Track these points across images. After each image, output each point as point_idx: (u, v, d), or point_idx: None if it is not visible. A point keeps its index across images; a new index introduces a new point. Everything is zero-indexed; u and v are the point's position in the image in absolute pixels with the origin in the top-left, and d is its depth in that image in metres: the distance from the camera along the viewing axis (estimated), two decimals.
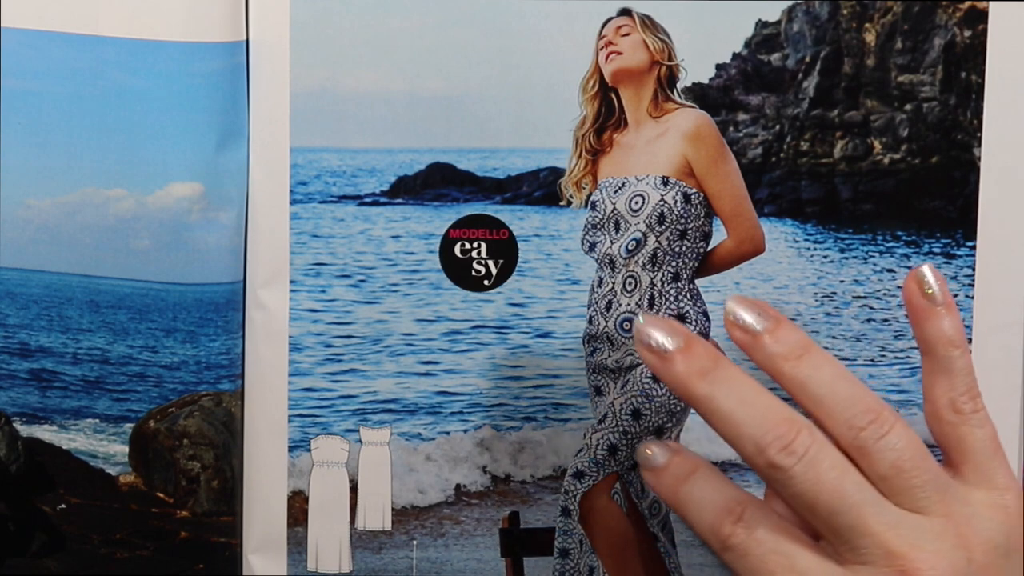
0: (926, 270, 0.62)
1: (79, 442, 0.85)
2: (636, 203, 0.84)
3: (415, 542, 0.86)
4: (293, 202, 0.83)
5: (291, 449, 0.84)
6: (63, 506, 0.86)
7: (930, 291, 0.63)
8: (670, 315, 0.85)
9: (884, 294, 0.85)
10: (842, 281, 0.84)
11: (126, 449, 0.85)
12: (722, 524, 0.62)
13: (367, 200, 0.86)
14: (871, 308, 0.84)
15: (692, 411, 0.85)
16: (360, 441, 0.85)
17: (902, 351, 0.84)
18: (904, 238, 0.84)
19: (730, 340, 0.85)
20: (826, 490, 0.60)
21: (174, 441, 0.84)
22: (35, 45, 0.79)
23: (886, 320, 0.84)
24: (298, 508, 0.85)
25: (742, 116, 0.84)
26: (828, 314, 0.84)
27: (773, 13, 0.83)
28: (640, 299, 0.84)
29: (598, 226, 0.85)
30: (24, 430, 0.84)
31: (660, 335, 0.62)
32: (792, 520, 0.61)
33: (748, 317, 0.63)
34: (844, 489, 0.60)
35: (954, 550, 0.59)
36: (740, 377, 0.60)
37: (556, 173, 0.84)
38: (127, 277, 0.82)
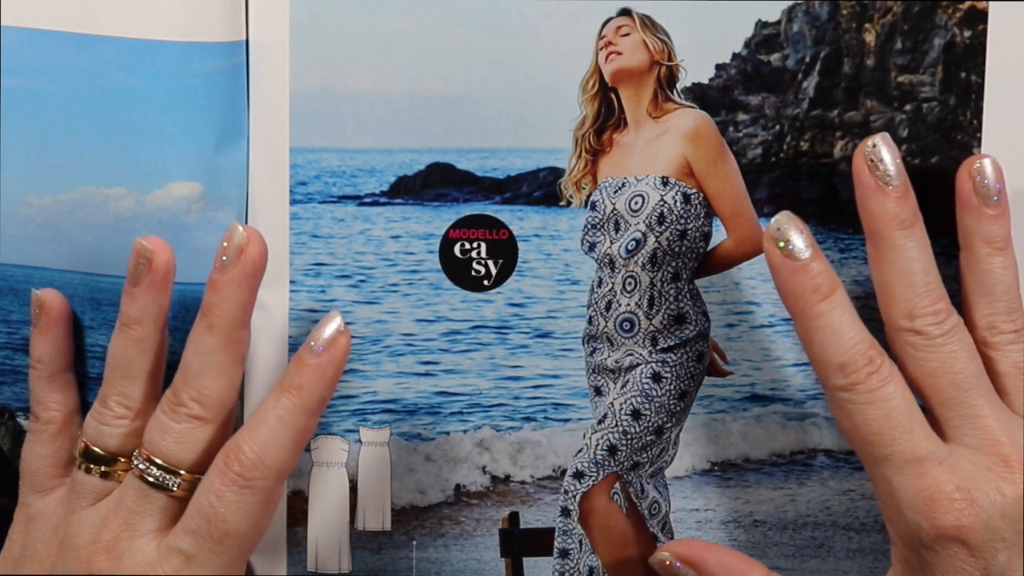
0: (987, 162, 0.65)
1: None
2: (636, 203, 0.84)
3: (415, 542, 0.86)
4: (293, 202, 0.83)
5: None
6: None
7: (982, 184, 0.66)
8: (670, 315, 0.85)
9: None
10: (842, 281, 0.84)
11: None
12: (857, 366, 0.63)
13: (367, 200, 0.86)
14: (871, 308, 0.84)
15: (692, 411, 0.85)
16: (360, 441, 0.85)
17: None
18: None
19: (730, 340, 0.85)
20: (956, 368, 0.62)
21: None
22: (35, 44, 0.80)
23: None
24: (298, 508, 0.85)
25: (742, 116, 0.84)
26: None
27: (773, 13, 0.82)
28: (640, 299, 0.84)
29: (598, 226, 0.85)
30: (28, 425, 0.84)
31: (800, 240, 0.65)
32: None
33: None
34: (970, 371, 0.62)
35: None
36: (845, 303, 0.64)
37: (556, 173, 0.84)
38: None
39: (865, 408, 0.64)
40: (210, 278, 0.71)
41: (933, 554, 0.64)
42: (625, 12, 0.82)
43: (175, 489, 0.70)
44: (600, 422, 0.85)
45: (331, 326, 0.71)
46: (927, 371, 0.64)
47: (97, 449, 0.73)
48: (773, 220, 0.66)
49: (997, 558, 0.62)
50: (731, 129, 0.84)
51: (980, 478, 0.63)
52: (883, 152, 0.66)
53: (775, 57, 0.83)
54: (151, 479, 0.70)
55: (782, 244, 0.65)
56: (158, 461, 0.70)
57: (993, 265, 0.66)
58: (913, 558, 0.65)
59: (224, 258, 0.71)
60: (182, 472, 0.70)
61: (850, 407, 0.64)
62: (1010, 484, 0.62)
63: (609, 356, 0.85)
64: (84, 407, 0.83)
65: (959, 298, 0.79)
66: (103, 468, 0.73)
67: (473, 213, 0.85)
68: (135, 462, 0.71)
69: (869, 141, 0.66)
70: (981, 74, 0.81)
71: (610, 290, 0.85)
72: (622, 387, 0.85)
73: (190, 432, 0.70)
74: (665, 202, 0.84)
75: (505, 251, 0.84)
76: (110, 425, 0.73)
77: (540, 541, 0.86)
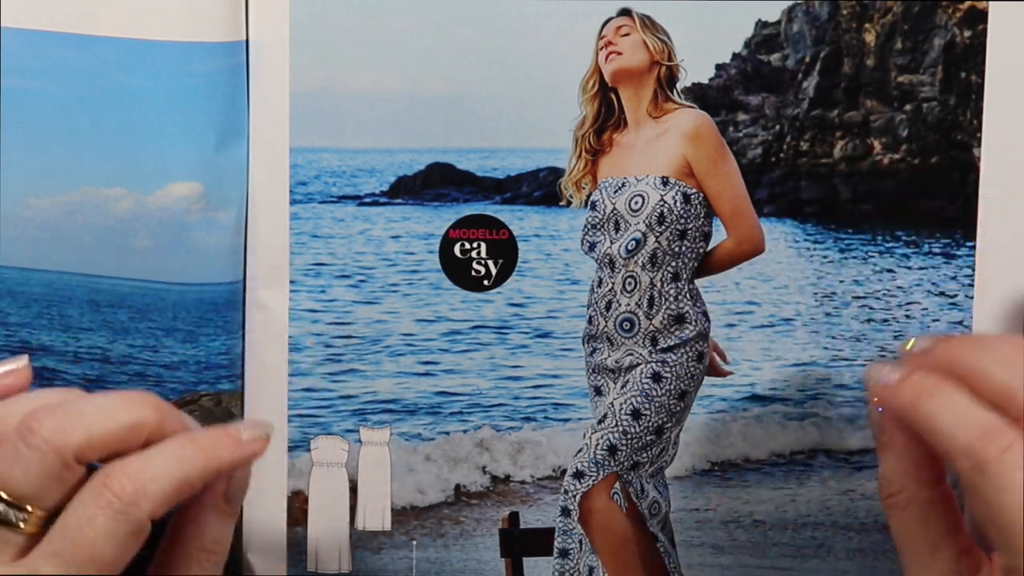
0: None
1: None
2: (636, 203, 0.84)
3: (415, 542, 0.86)
4: (293, 202, 0.83)
5: (291, 449, 0.84)
6: None
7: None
8: (670, 315, 0.85)
9: (884, 294, 0.85)
10: (842, 281, 0.84)
11: None
12: (987, 445, 0.60)
13: (367, 200, 0.86)
14: (871, 308, 0.84)
15: (692, 411, 0.85)
16: (360, 441, 0.85)
17: None
18: (904, 238, 0.84)
19: (730, 340, 0.85)
20: None
21: None
22: (34, 45, 0.79)
23: (886, 320, 0.84)
24: (298, 508, 0.85)
25: (742, 116, 0.84)
26: (828, 314, 0.84)
27: (773, 13, 0.82)
28: (640, 299, 0.84)
29: (598, 226, 0.85)
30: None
31: (885, 371, 0.63)
32: None
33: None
34: None
35: None
36: (958, 393, 0.61)
37: (556, 173, 0.84)
38: (127, 276, 0.82)
39: (1000, 493, 0.61)
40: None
41: None
42: (625, 12, 0.82)
43: (21, 525, 0.62)
44: (600, 422, 0.85)
45: (265, 426, 0.68)
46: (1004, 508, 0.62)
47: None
48: (865, 377, 0.65)
49: None
50: (731, 129, 0.84)
51: None
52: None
53: (775, 57, 0.84)
54: (9, 519, 0.61)
55: (874, 383, 0.64)
56: (2, 495, 0.62)
57: None
58: None
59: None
60: (29, 508, 0.62)
61: (980, 490, 0.61)
62: None
63: (609, 356, 0.85)
64: None
65: (959, 298, 0.79)
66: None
67: (473, 213, 0.84)
68: None
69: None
70: (981, 74, 0.81)
71: (610, 290, 0.85)
72: (622, 387, 0.85)
73: (42, 462, 0.62)
74: (665, 202, 0.84)
75: (505, 251, 0.84)
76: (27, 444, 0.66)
77: (540, 541, 0.86)
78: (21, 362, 0.66)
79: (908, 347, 0.62)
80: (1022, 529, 0.58)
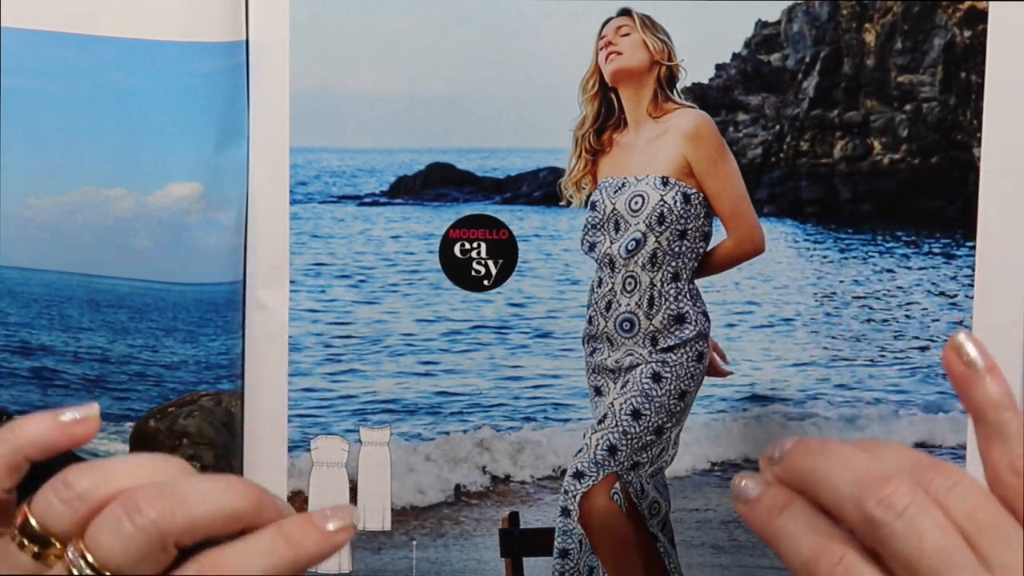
0: (962, 338, 0.63)
1: None
2: (636, 203, 0.84)
3: (415, 542, 0.86)
4: (293, 202, 0.83)
5: (291, 449, 0.84)
6: None
7: (968, 357, 0.63)
8: (670, 315, 0.85)
9: (884, 294, 0.85)
10: (842, 281, 0.84)
11: (127, 448, 0.85)
12: (818, 565, 0.61)
13: (367, 200, 0.86)
14: (871, 308, 0.84)
15: (692, 411, 0.85)
16: (360, 441, 0.85)
17: (902, 351, 0.84)
18: (904, 238, 0.84)
19: (730, 340, 0.85)
20: (928, 550, 0.59)
21: (174, 441, 0.85)
22: (34, 45, 0.79)
23: (886, 320, 0.84)
24: (298, 508, 0.85)
25: (742, 116, 0.84)
26: (828, 314, 0.84)
27: (773, 13, 0.82)
28: (640, 299, 0.84)
29: (598, 226, 0.85)
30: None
31: (749, 484, 0.64)
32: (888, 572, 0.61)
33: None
34: (946, 548, 0.60)
35: None
36: (804, 508, 0.61)
37: (556, 173, 0.84)
38: (127, 276, 0.82)
39: None
40: None
41: None
42: (625, 12, 0.82)
43: None
44: (600, 422, 0.85)
45: (344, 518, 0.68)
46: (907, 561, 0.63)
47: (37, 525, 0.66)
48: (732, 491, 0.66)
49: None
50: (731, 129, 0.84)
51: None
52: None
53: (775, 57, 0.84)
54: None
55: (737, 496, 0.65)
56: (90, 560, 0.61)
57: (1005, 417, 0.65)
58: None
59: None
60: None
61: None
62: None
63: (609, 356, 0.85)
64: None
65: (958, 298, 0.79)
66: (36, 549, 0.66)
67: (473, 213, 0.84)
68: (68, 552, 0.64)
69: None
70: (981, 74, 0.81)
71: (610, 290, 0.85)
72: (622, 387, 0.85)
73: (146, 543, 0.61)
74: (665, 202, 0.84)
75: (505, 251, 0.84)
76: (66, 504, 0.66)
77: (540, 541, 0.86)
78: (92, 411, 0.66)
79: (767, 455, 0.63)
80: None
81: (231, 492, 0.63)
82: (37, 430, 0.66)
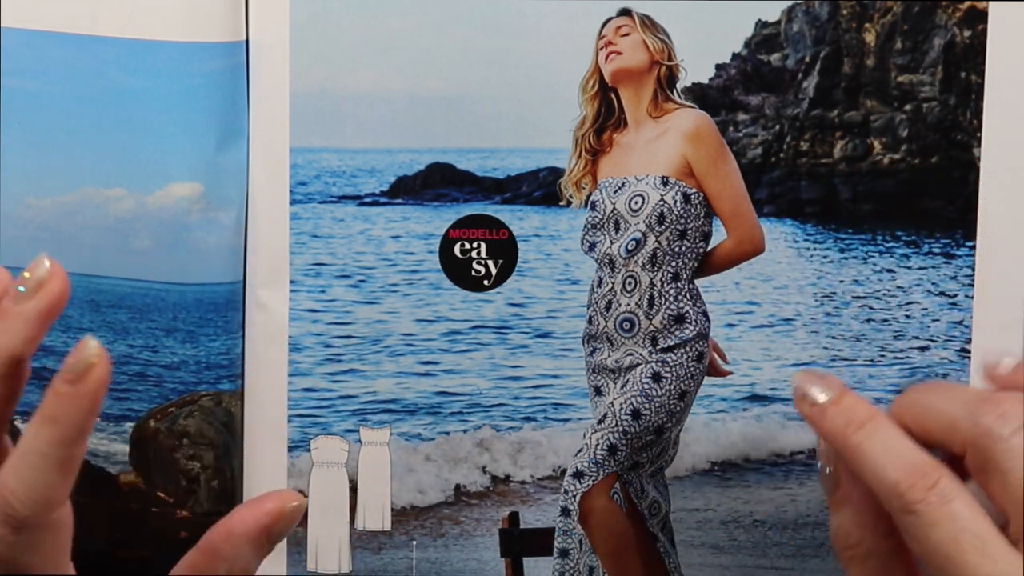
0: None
1: None
2: (636, 203, 0.84)
3: (415, 542, 0.86)
4: (293, 202, 0.83)
5: (291, 449, 0.84)
6: None
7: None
8: (670, 315, 0.85)
9: (884, 294, 0.85)
10: (842, 281, 0.84)
11: (127, 448, 0.85)
12: (913, 486, 0.60)
13: (367, 200, 0.86)
14: (871, 308, 0.84)
15: (692, 411, 0.86)
16: (360, 441, 0.85)
17: (902, 351, 0.84)
18: (904, 238, 0.84)
19: (730, 340, 0.85)
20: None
21: (174, 441, 0.84)
22: (35, 45, 0.79)
23: (886, 320, 0.84)
24: None
25: (742, 116, 0.84)
26: (828, 314, 0.84)
27: (773, 13, 0.83)
28: (640, 299, 0.84)
29: (598, 226, 0.85)
30: (26, 428, 0.84)
31: (815, 389, 0.63)
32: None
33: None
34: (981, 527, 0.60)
35: None
36: (889, 427, 0.61)
37: (556, 173, 0.84)
38: (127, 277, 0.82)
39: (930, 529, 0.62)
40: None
41: None
42: (625, 12, 0.82)
43: None
44: (600, 422, 0.85)
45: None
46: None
47: None
48: (793, 381, 0.66)
49: None
50: (731, 129, 0.84)
51: None
52: (807, 389, 0.66)
53: (775, 57, 0.84)
54: None
55: (803, 398, 0.65)
56: None
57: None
58: None
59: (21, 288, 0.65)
60: None
61: (913, 530, 0.62)
62: None
63: (609, 356, 0.85)
64: None
65: (959, 298, 0.79)
66: None
67: (473, 213, 0.84)
68: None
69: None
70: (981, 74, 0.81)
71: (610, 290, 0.85)
72: (622, 387, 0.85)
73: None
74: (665, 202, 0.84)
75: (505, 251, 0.84)
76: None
77: (540, 541, 0.86)
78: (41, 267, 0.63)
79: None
80: (953, 567, 0.59)
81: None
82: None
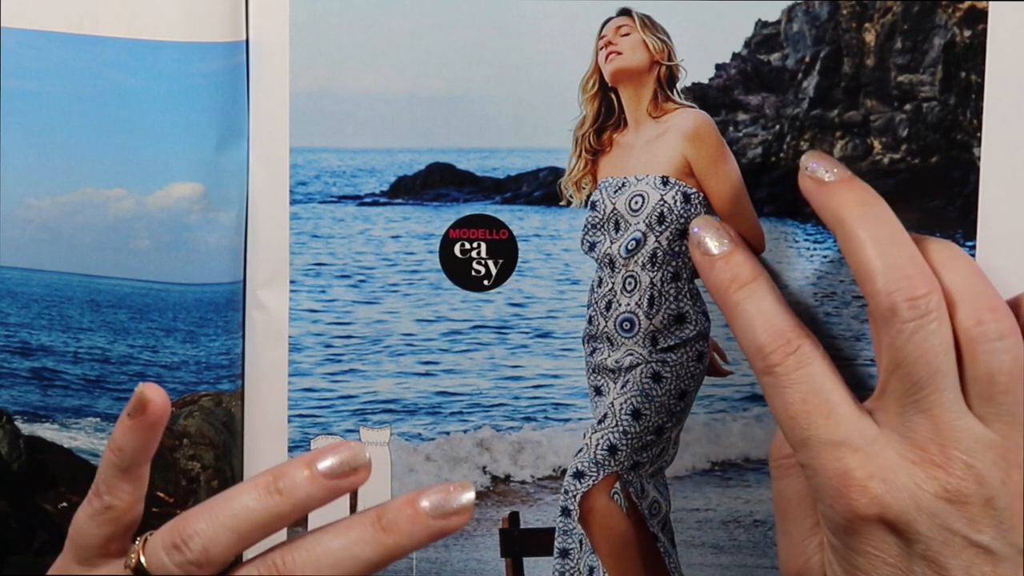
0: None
1: (80, 441, 0.85)
2: (636, 203, 0.84)
3: None
4: (293, 202, 0.83)
5: (291, 449, 0.84)
6: (64, 504, 0.86)
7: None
8: (670, 315, 0.85)
9: None
10: (842, 281, 0.84)
11: None
12: (774, 349, 0.63)
13: (367, 200, 0.86)
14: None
15: (692, 411, 0.86)
16: (360, 441, 0.85)
17: None
18: None
19: (730, 340, 0.85)
20: (923, 358, 0.61)
21: (174, 441, 0.85)
22: (35, 45, 0.79)
23: None
24: None
25: (742, 116, 0.84)
26: (828, 314, 0.84)
27: (773, 13, 0.83)
28: (640, 299, 0.84)
29: (598, 226, 0.85)
30: (25, 428, 0.84)
31: (710, 238, 0.65)
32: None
33: (709, 240, 0.66)
34: (937, 366, 0.61)
35: (993, 467, 0.61)
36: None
37: (556, 173, 0.84)
38: (127, 277, 0.82)
39: (784, 391, 0.64)
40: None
41: (850, 539, 0.64)
42: (625, 12, 0.82)
43: None
44: (600, 422, 0.85)
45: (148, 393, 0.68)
46: (896, 356, 0.63)
47: (149, 573, 0.66)
48: (692, 225, 0.68)
49: (915, 545, 0.62)
50: (731, 129, 0.84)
51: (900, 469, 0.62)
52: (703, 237, 0.68)
53: (775, 57, 0.84)
54: None
55: (697, 244, 0.67)
56: None
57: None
58: (836, 543, 0.65)
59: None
60: None
61: (770, 390, 0.64)
62: (931, 480, 0.61)
63: (609, 356, 0.85)
64: (66, 409, 0.83)
65: None
66: None
67: (473, 213, 0.85)
68: None
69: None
70: (981, 74, 0.81)
71: (610, 290, 0.85)
72: (622, 387, 0.85)
73: None
74: (665, 202, 0.84)
75: (505, 251, 0.84)
76: (180, 568, 0.65)
77: (540, 541, 0.86)
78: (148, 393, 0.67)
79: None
80: (799, 426, 0.61)
81: (362, 543, 0.63)
82: (132, 441, 0.67)
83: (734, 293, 0.66)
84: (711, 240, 0.68)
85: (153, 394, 0.66)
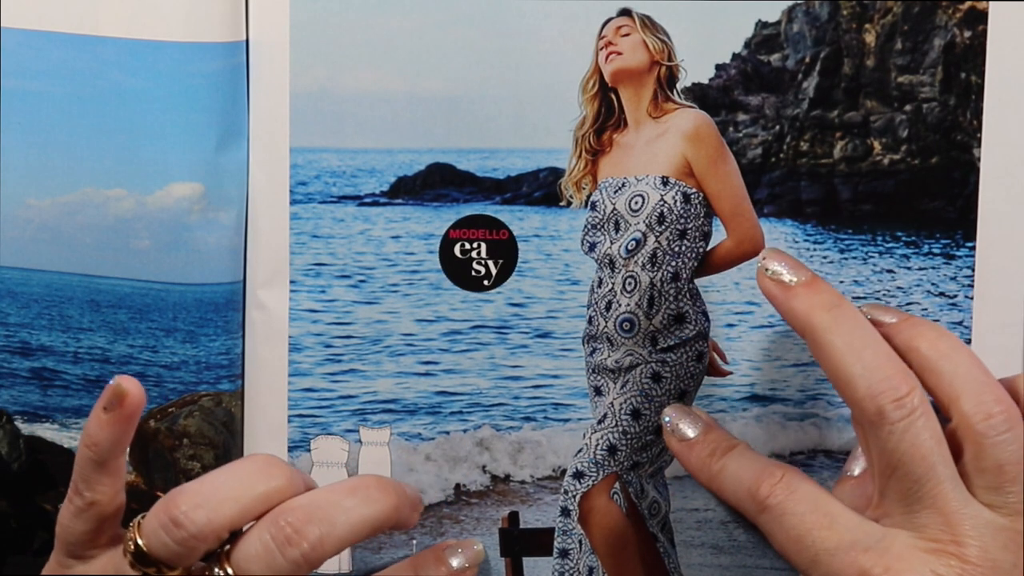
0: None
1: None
2: (636, 203, 0.84)
3: (415, 542, 0.87)
4: (293, 202, 0.83)
5: (291, 449, 0.84)
6: None
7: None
8: (670, 315, 0.85)
9: (884, 294, 0.85)
10: (842, 281, 0.84)
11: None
12: (760, 485, 0.63)
13: (367, 200, 0.86)
14: None
15: None
16: (360, 441, 0.85)
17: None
18: (904, 239, 0.84)
19: (730, 340, 0.85)
20: (918, 455, 0.61)
21: (174, 441, 0.85)
22: (35, 45, 0.79)
23: None
24: None
25: (742, 116, 0.84)
26: None
27: (773, 13, 0.83)
28: (640, 299, 0.84)
29: (598, 226, 0.85)
30: (26, 428, 0.84)
31: (684, 424, 0.66)
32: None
33: (685, 426, 0.67)
34: (934, 460, 0.61)
35: (1004, 551, 0.61)
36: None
37: (556, 173, 0.84)
38: (127, 277, 0.82)
39: (782, 518, 0.63)
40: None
41: None
42: (625, 12, 0.82)
43: None
44: (600, 422, 0.85)
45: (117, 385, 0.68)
46: (890, 459, 0.63)
47: (150, 555, 0.65)
48: (664, 415, 0.69)
49: None
50: (731, 129, 0.84)
51: (915, 559, 0.62)
52: (773, 264, 0.67)
53: (775, 57, 0.84)
54: None
55: (672, 431, 0.68)
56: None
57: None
58: None
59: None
60: None
61: (770, 526, 0.64)
62: (947, 566, 0.61)
63: (609, 356, 0.85)
64: (66, 409, 0.83)
65: (959, 298, 0.79)
66: (151, 571, 0.67)
67: (473, 213, 0.85)
68: (216, 571, 0.64)
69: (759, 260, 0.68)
70: (981, 74, 0.81)
71: (610, 290, 0.85)
72: (622, 387, 0.85)
73: (289, 569, 0.64)
74: (665, 202, 0.84)
75: (505, 251, 0.84)
76: (179, 544, 0.65)
77: (540, 541, 0.86)
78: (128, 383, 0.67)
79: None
80: (805, 545, 0.61)
81: (371, 504, 0.64)
82: (107, 434, 0.67)
83: (715, 463, 0.67)
84: (686, 426, 0.68)
85: (129, 385, 0.66)
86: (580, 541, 0.86)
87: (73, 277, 0.82)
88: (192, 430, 0.85)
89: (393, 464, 0.86)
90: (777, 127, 0.84)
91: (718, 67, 0.83)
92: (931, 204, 0.83)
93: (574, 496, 0.86)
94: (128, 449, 0.69)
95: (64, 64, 0.79)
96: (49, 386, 0.84)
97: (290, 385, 0.84)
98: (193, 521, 0.62)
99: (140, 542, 0.64)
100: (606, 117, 0.84)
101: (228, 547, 0.63)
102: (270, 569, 0.62)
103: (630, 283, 0.85)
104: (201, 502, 0.62)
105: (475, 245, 0.84)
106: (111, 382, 0.66)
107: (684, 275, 0.85)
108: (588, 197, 0.85)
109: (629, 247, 0.84)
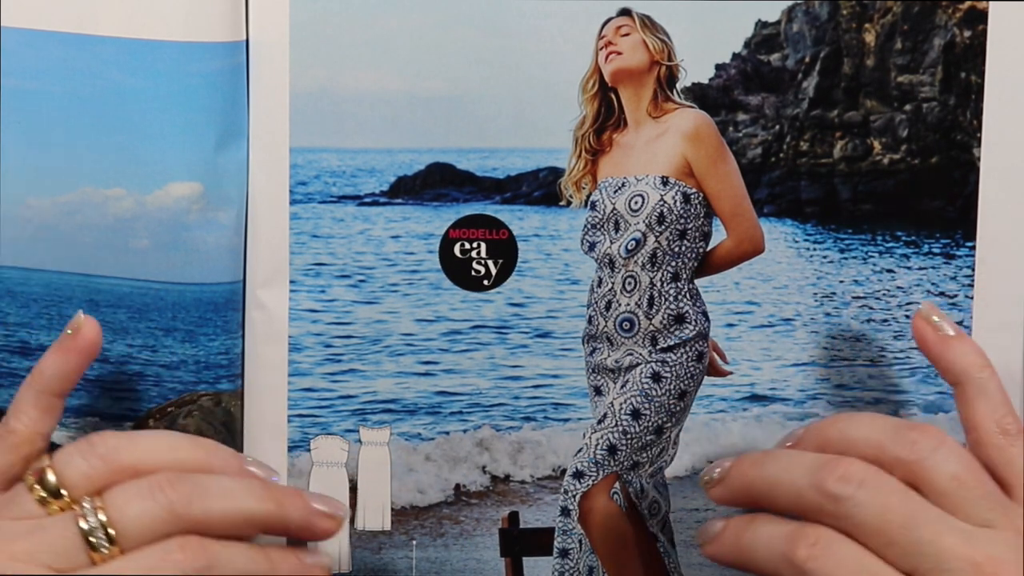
0: (929, 307, 0.66)
1: None
2: (636, 203, 0.84)
3: (415, 542, 0.86)
4: (293, 202, 0.83)
5: (290, 449, 0.84)
6: None
7: (938, 321, 0.65)
8: (670, 315, 0.85)
9: (884, 294, 0.85)
10: (842, 281, 0.84)
11: None
12: (796, 548, 0.62)
13: (367, 200, 0.86)
14: (871, 308, 0.84)
15: (692, 411, 0.86)
16: (360, 441, 0.85)
17: (902, 351, 0.84)
18: (904, 238, 0.84)
19: (730, 340, 0.85)
20: (894, 512, 0.61)
21: None
22: (34, 45, 0.79)
23: (886, 320, 0.84)
24: None
25: (742, 116, 0.84)
26: (828, 314, 0.84)
27: (773, 13, 0.83)
28: (640, 299, 0.84)
29: (598, 226, 0.85)
30: None
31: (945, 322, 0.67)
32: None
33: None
34: (911, 509, 0.61)
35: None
36: (763, 523, 0.64)
37: (556, 173, 0.84)
38: (126, 276, 0.82)
39: None
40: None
41: None
42: (625, 12, 0.82)
43: (103, 551, 0.65)
44: (600, 422, 0.85)
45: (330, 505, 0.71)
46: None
47: (54, 477, 0.67)
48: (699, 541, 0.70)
49: None
50: (731, 129, 0.84)
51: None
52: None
53: (775, 57, 0.84)
54: (92, 539, 0.65)
55: (703, 544, 0.69)
56: (103, 518, 0.65)
57: (985, 376, 0.68)
58: None
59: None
60: (118, 546, 0.65)
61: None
62: None
63: (609, 356, 0.85)
64: (66, 409, 0.83)
65: (958, 298, 0.79)
66: (43, 495, 0.67)
67: (473, 213, 0.84)
68: (84, 503, 0.66)
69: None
70: (981, 74, 0.81)
71: (610, 290, 0.85)
72: (622, 387, 0.85)
73: (156, 518, 0.66)
74: (665, 202, 0.84)
75: (505, 251, 0.84)
76: (86, 460, 0.67)
77: (540, 541, 0.86)
78: (78, 319, 0.71)
79: (705, 478, 0.67)
80: None
81: (252, 495, 0.66)
82: (52, 361, 0.69)
83: (742, 536, 0.67)
84: (711, 524, 0.70)
85: (87, 322, 0.72)
86: (580, 541, 0.86)
87: (72, 277, 0.82)
88: (192, 430, 0.84)
89: (393, 464, 0.86)
90: (777, 127, 0.84)
91: (718, 67, 0.83)
92: (931, 204, 0.83)
93: (574, 496, 0.86)
94: (66, 397, 0.72)
95: (63, 63, 0.79)
96: None
97: (290, 385, 0.84)
98: (104, 442, 0.66)
99: (48, 467, 0.67)
100: (606, 117, 0.84)
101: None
102: (135, 507, 0.65)
103: (630, 283, 0.85)
104: (120, 436, 0.67)
105: (475, 245, 0.84)
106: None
107: (684, 275, 0.85)
108: (588, 197, 0.85)
109: (629, 247, 0.84)
